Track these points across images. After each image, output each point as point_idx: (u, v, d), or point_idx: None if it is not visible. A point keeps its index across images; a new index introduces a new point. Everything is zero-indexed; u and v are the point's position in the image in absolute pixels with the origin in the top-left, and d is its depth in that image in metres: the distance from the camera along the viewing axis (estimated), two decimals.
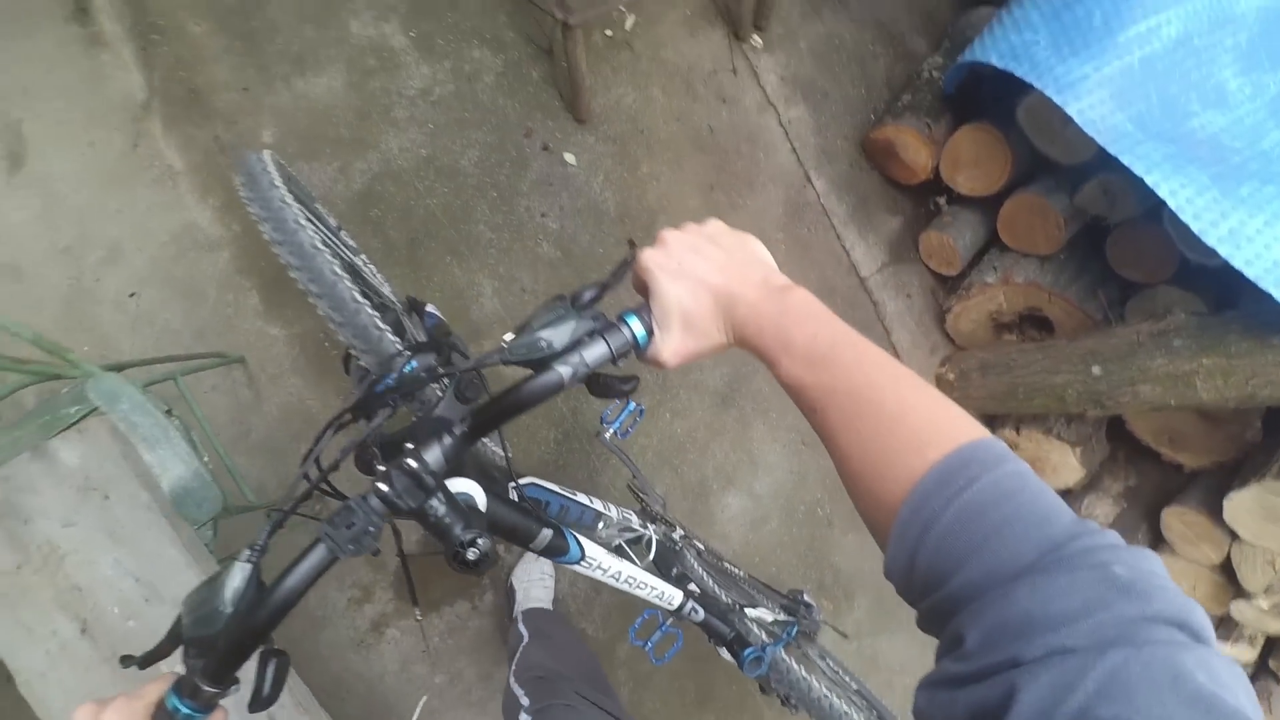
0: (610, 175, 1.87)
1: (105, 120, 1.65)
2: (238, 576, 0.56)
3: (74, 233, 1.61)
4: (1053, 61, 1.53)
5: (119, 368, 1.32)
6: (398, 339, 0.98)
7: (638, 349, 0.56)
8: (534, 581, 1.67)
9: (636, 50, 1.93)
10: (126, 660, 0.58)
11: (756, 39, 2.05)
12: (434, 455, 0.57)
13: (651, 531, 1.21)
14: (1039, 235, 1.89)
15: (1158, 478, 2.05)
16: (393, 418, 0.91)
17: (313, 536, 0.55)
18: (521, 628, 1.44)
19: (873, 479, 0.40)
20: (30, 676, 1.07)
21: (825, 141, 2.07)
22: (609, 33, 1.91)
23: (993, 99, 1.85)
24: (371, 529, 0.54)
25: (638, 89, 1.92)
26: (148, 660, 0.57)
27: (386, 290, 1.10)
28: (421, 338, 1.14)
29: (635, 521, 1.23)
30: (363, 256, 1.19)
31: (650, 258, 0.55)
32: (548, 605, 1.66)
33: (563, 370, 0.54)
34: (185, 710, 0.52)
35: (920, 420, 0.40)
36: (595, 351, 0.55)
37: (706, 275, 0.53)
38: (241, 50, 1.71)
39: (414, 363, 0.95)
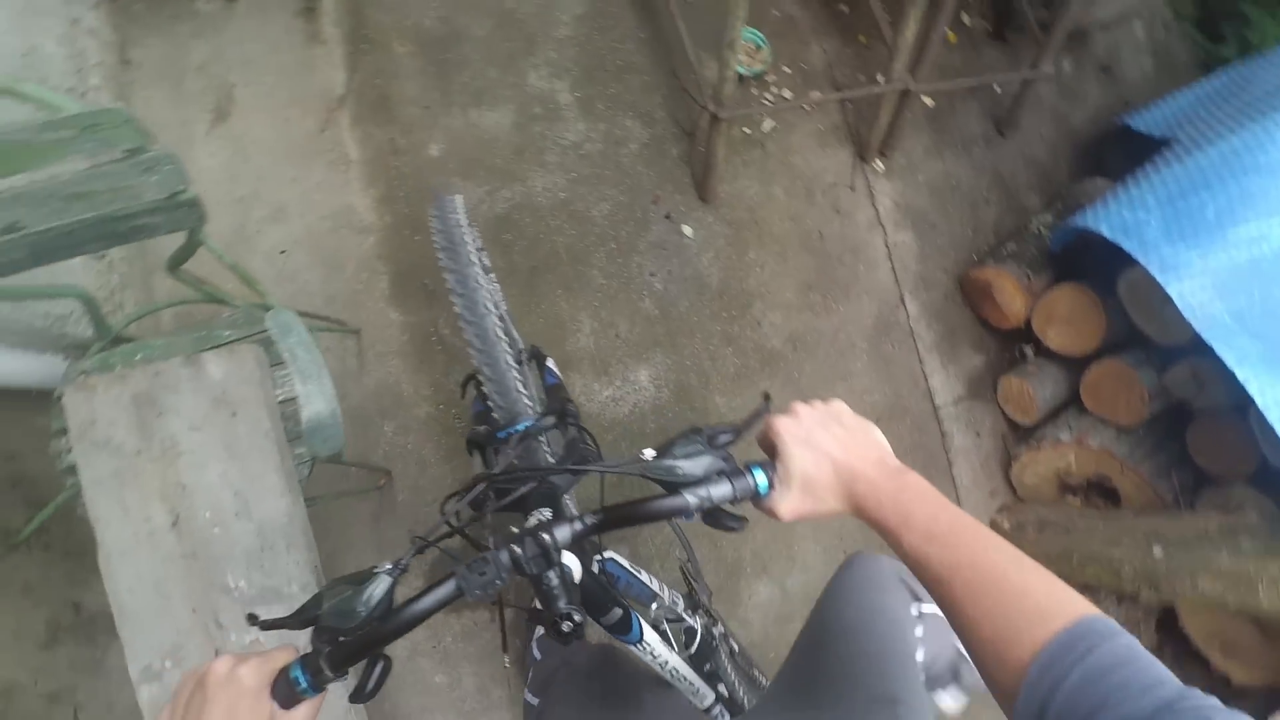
0: (719, 254, 2.01)
1: (304, 103, 1.90)
2: (379, 587, 0.60)
3: (250, 188, 1.84)
4: (1161, 242, 1.60)
5: (264, 308, 1.48)
6: (528, 398, 1.08)
7: (756, 497, 0.63)
8: None
9: (768, 150, 2.11)
10: (252, 618, 0.63)
11: (879, 164, 2.21)
12: (563, 533, 0.62)
13: (696, 622, 1.23)
14: (1121, 405, 1.91)
15: (1201, 685, 1.94)
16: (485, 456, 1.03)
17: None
18: (536, 651, 1.47)
19: (1001, 644, 0.48)
20: (112, 551, 1.18)
21: (925, 269, 2.18)
22: (747, 130, 2.10)
23: (1096, 264, 1.92)
24: (499, 581, 0.60)
25: (761, 184, 2.08)
26: (269, 625, 0.61)
27: (516, 333, 1.22)
28: (534, 384, 1.23)
29: (682, 607, 1.25)
30: (506, 304, 1.31)
31: (783, 424, 0.63)
32: None
33: (690, 499, 0.61)
34: (304, 684, 0.56)
35: (1041, 596, 0.48)
36: (720, 490, 0.62)
37: (830, 449, 0.61)
38: (433, 75, 1.96)
39: (533, 421, 1.05)
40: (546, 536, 0.60)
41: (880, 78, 2.25)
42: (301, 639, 0.62)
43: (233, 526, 1.20)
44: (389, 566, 0.62)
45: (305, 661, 0.57)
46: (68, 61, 1.63)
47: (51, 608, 1.63)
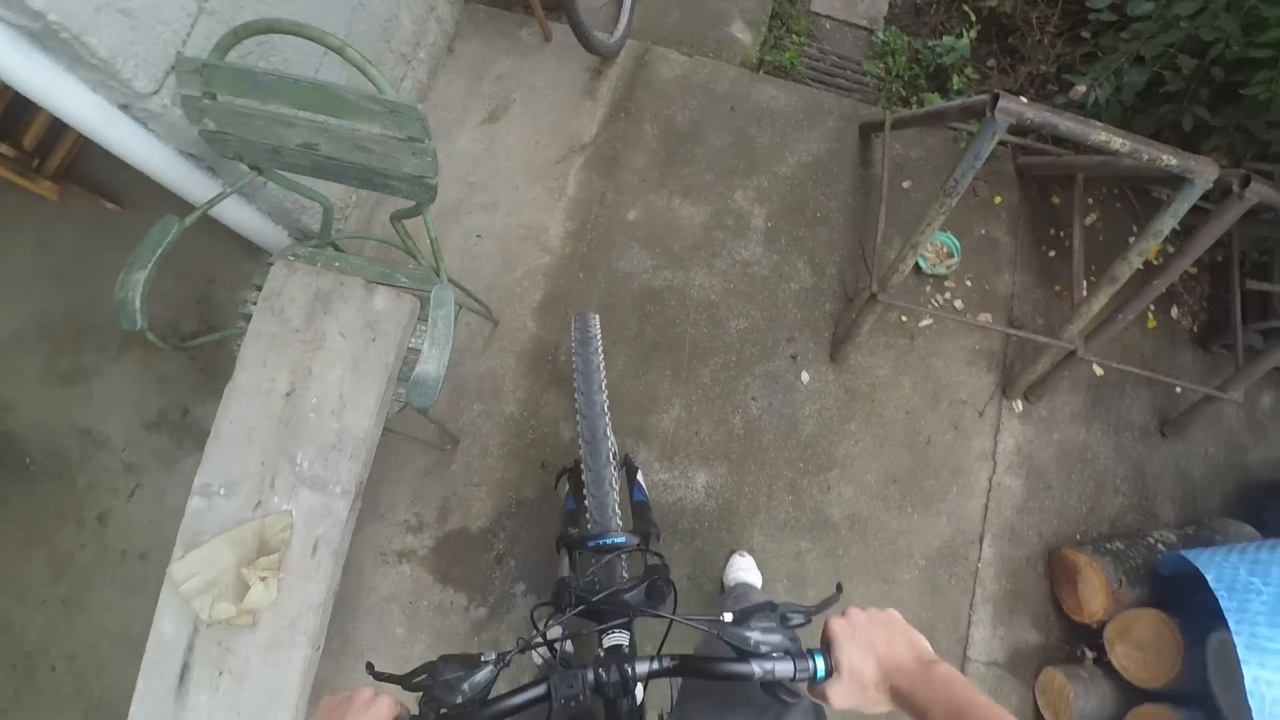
0: (824, 410, 2.08)
1: (556, 136, 2.26)
2: (484, 675, 0.72)
3: (482, 178, 2.20)
4: (1261, 619, 1.47)
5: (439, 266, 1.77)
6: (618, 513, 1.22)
7: (812, 681, 0.71)
8: None
9: (915, 344, 2.17)
10: (369, 667, 0.77)
11: (1020, 404, 2.18)
12: (642, 668, 0.71)
13: None
14: None
15: None
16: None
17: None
18: None
19: None
20: (236, 388, 1.46)
21: (1020, 523, 2.10)
22: (904, 319, 2.18)
23: (1197, 607, 1.76)
24: (581, 697, 0.69)
25: (894, 369, 2.14)
26: (381, 677, 0.75)
27: (612, 434, 1.36)
28: (622, 493, 1.35)
29: None
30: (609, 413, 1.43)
31: (842, 626, 0.72)
32: None
33: (756, 669, 0.70)
34: None
35: None
36: (784, 667, 0.70)
37: (876, 647, 0.70)
38: (661, 158, 2.26)
39: (624, 539, 1.17)
40: (630, 669, 0.70)
41: (1057, 332, 2.25)
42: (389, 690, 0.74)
43: (325, 419, 1.46)
44: (494, 657, 0.73)
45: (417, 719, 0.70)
46: (412, 34, 2.08)
47: (169, 401, 1.99)
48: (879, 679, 0.68)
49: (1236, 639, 1.48)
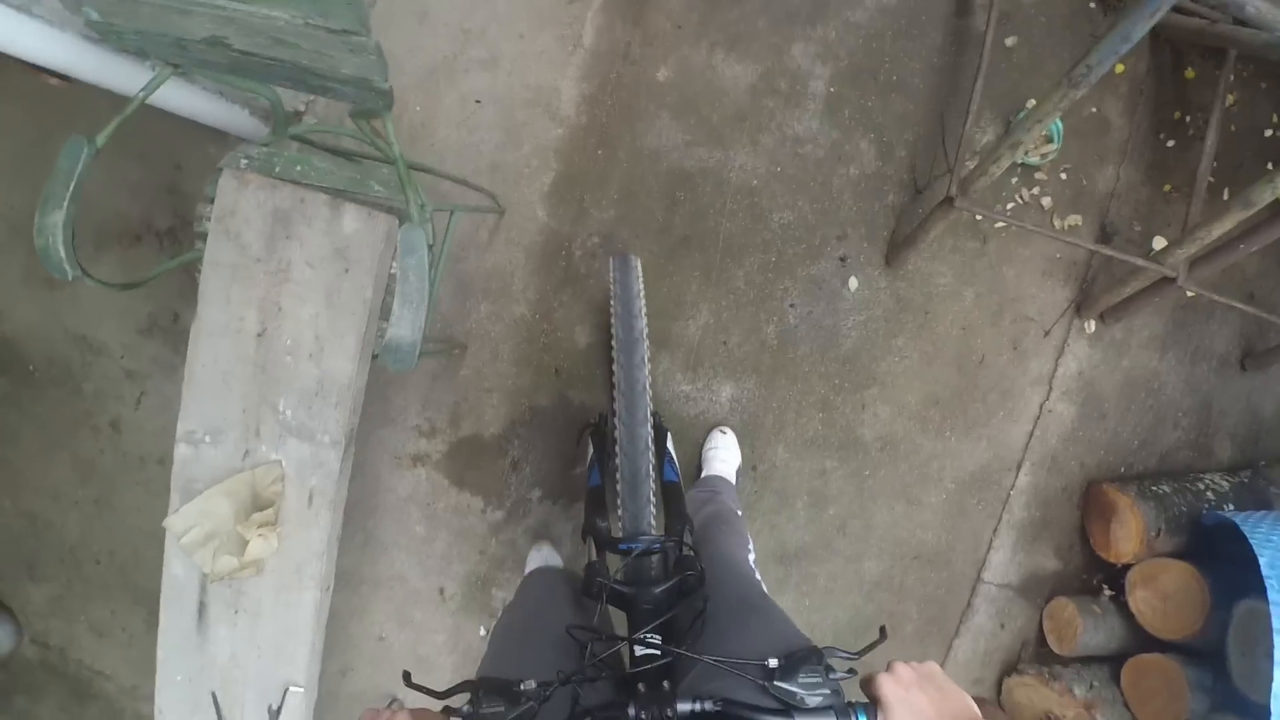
0: (869, 323, 1.85)
1: None
2: (525, 712, 0.70)
3: (480, 24, 1.79)
4: None
5: (420, 168, 1.49)
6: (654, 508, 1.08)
7: None
8: None
9: (987, 247, 1.87)
10: (407, 676, 0.77)
11: (1092, 324, 1.92)
12: (684, 708, 0.69)
13: None
14: (1153, 709, 1.75)
15: None
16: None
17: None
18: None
19: None
20: (204, 329, 1.29)
21: (1064, 452, 1.95)
22: (979, 216, 1.85)
23: (1234, 566, 1.67)
24: None
25: (957, 278, 1.87)
26: (419, 688, 0.75)
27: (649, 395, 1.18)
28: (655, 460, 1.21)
29: None
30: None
31: (887, 682, 0.69)
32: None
33: None
34: None
35: None
36: None
37: (926, 709, 0.67)
38: None
39: (660, 544, 1.04)
40: (671, 712, 0.69)
41: (1155, 246, 1.91)
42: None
43: (302, 363, 1.29)
44: (534, 688, 0.72)
45: None
46: None
47: (157, 305, 1.83)
48: None
49: (1274, 617, 1.40)
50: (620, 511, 1.08)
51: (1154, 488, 1.88)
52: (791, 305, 1.84)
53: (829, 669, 0.72)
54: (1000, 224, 1.86)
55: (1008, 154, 1.46)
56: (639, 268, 1.21)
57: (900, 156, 1.83)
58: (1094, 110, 1.89)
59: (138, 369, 1.86)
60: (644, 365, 1.10)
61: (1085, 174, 1.89)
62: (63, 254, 1.15)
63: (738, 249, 1.82)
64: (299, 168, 1.34)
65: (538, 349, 1.84)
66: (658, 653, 0.83)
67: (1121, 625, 1.87)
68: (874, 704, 0.69)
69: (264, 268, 1.27)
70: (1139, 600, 1.83)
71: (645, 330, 1.14)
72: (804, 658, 0.73)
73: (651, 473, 1.08)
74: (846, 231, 1.83)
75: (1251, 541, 1.57)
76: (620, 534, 1.05)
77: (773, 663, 0.72)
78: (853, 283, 1.84)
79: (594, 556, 1.09)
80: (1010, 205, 1.87)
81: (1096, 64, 1.27)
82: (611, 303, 1.18)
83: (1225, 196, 1.96)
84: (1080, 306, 1.91)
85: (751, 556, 1.34)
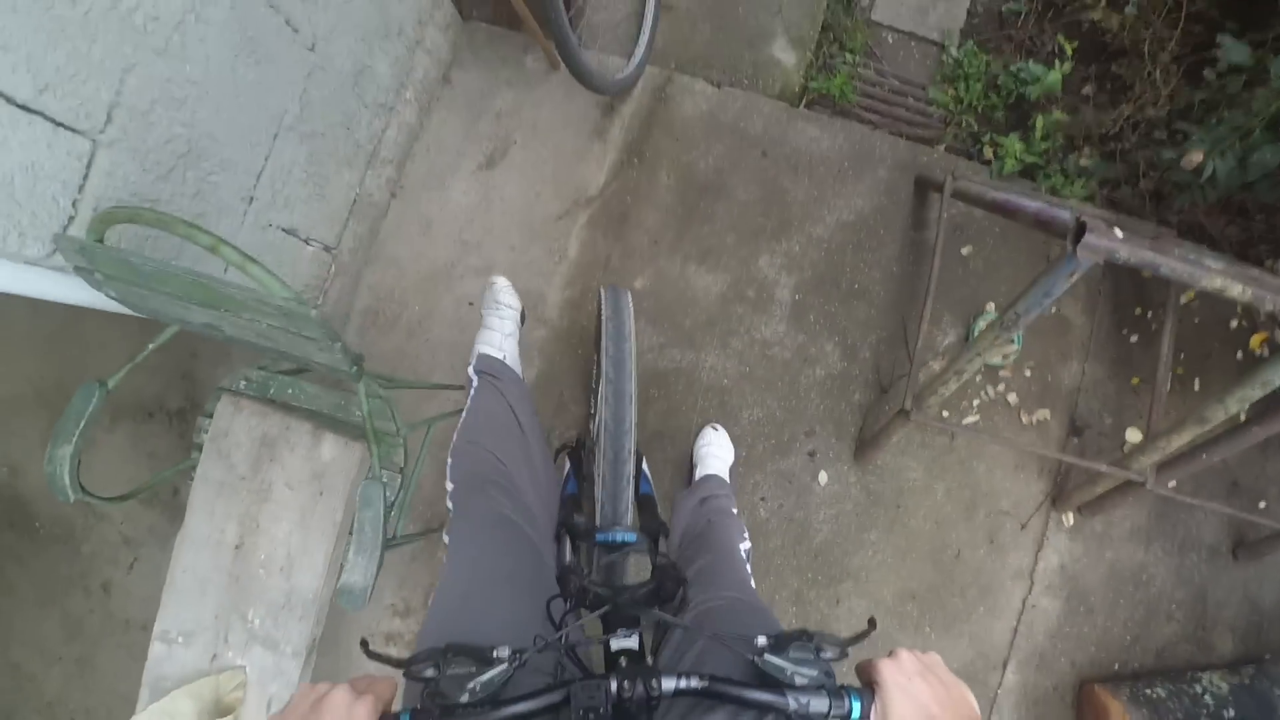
0: (840, 517, 1.88)
1: (559, 187, 2.00)
2: (497, 673, 0.66)
3: (477, 236, 1.99)
4: None
5: (401, 384, 1.62)
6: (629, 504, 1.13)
7: None
8: None
9: (955, 447, 1.91)
10: (364, 644, 0.73)
11: (1070, 517, 1.92)
12: (669, 685, 0.66)
13: None
14: None
15: None
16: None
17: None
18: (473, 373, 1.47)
19: None
20: (188, 536, 1.39)
21: (1051, 650, 1.89)
22: (946, 414, 1.91)
23: None
24: (601, 709, 0.64)
25: (927, 473, 1.90)
26: (376, 657, 0.71)
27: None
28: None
29: None
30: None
31: (887, 667, 0.66)
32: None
33: (790, 700, 0.65)
34: None
35: None
36: (819, 703, 0.64)
37: (928, 703, 0.63)
38: (678, 215, 1.97)
39: (635, 538, 1.09)
40: (655, 684, 0.65)
41: (1129, 438, 1.95)
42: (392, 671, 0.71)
43: (274, 577, 1.36)
44: (508, 654, 0.67)
45: (415, 716, 0.63)
46: (393, 79, 1.82)
47: (175, 481, 1.94)
48: None
49: None
50: (599, 505, 1.11)
51: (1148, 690, 1.80)
52: (763, 499, 1.88)
53: (819, 650, 0.70)
54: (969, 419, 1.92)
55: (953, 379, 1.55)
56: (629, 301, 1.27)
57: (864, 358, 1.93)
58: (1054, 311, 1.98)
59: (134, 536, 1.95)
60: (631, 380, 1.15)
61: (1050, 371, 1.96)
62: (67, 482, 1.28)
63: None
64: (291, 391, 1.48)
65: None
66: (634, 646, 0.81)
67: None
68: (870, 690, 0.66)
69: (248, 486, 1.38)
70: None
71: (633, 350, 1.20)
72: (793, 637, 0.70)
73: (632, 480, 1.12)
74: (815, 428, 1.90)
75: None
76: (598, 525, 1.07)
77: (762, 640, 0.69)
78: (823, 477, 1.89)
79: (568, 559, 1.11)
80: (977, 401, 1.93)
81: (1024, 312, 1.37)
82: (602, 322, 1.23)
83: (1196, 388, 2.00)
84: (1056, 500, 1.93)
85: (745, 546, 1.35)
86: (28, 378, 2.01)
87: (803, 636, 0.70)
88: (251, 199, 1.51)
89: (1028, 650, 1.90)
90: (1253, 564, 1.97)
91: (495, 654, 0.67)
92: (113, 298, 1.15)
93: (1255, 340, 1.99)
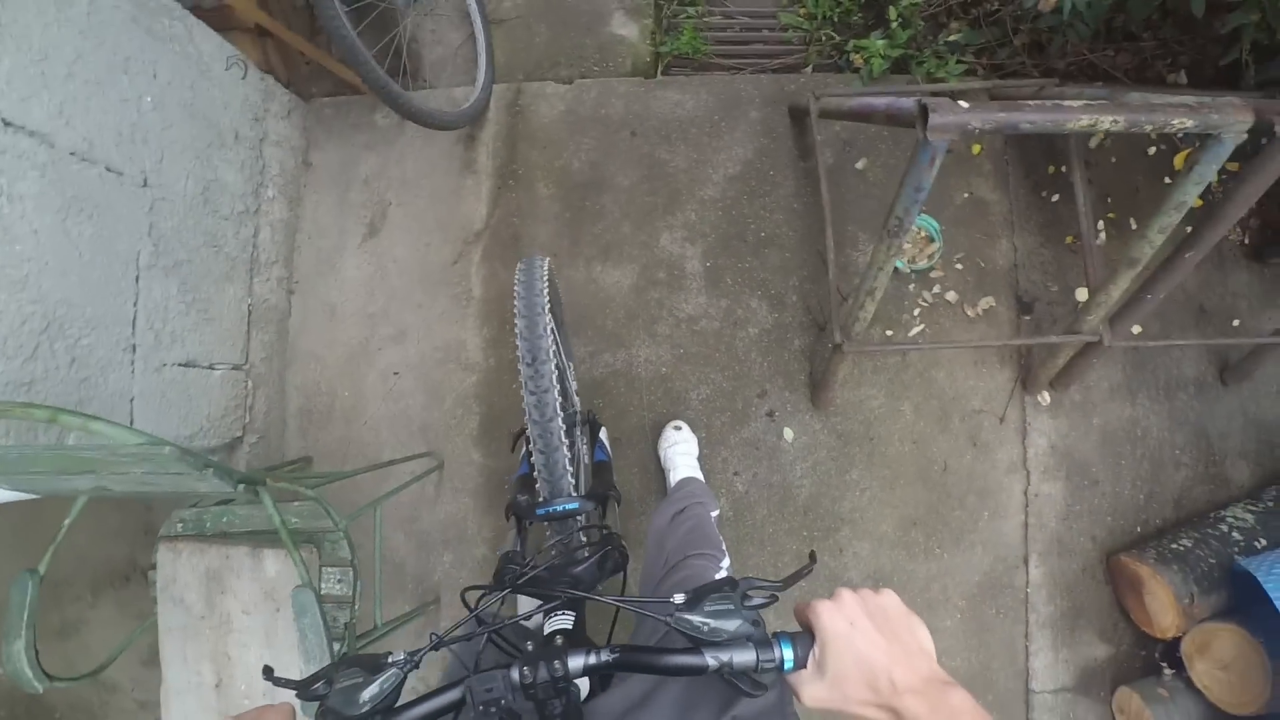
0: (818, 467, 1.84)
1: (446, 231, 1.98)
2: (388, 679, 0.62)
3: (382, 305, 1.97)
4: None
5: (346, 475, 1.61)
6: (573, 475, 1.10)
7: (780, 670, 0.60)
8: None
9: (909, 362, 1.86)
10: (267, 670, 0.67)
11: (1045, 395, 1.87)
12: (576, 664, 0.62)
13: None
14: None
15: None
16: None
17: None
18: None
19: None
20: (171, 689, 1.40)
21: (1067, 532, 1.84)
22: (890, 332, 1.86)
23: None
24: (504, 701, 0.60)
25: (889, 396, 1.86)
26: (278, 682, 0.66)
27: (575, 395, 1.22)
28: (583, 455, 1.23)
29: None
30: (571, 362, 1.31)
31: (826, 611, 0.59)
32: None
33: (710, 660, 0.59)
34: None
35: None
36: (744, 657, 0.59)
37: (871, 652, 0.57)
38: (567, 221, 1.94)
39: (577, 504, 1.07)
40: (559, 667, 0.60)
41: (1079, 297, 1.88)
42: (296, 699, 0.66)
43: (259, 703, 1.35)
44: (402, 658, 0.64)
45: None
46: (245, 184, 1.80)
47: (152, 637, 1.96)
48: (868, 693, 0.56)
49: None
50: (539, 484, 1.10)
51: (1173, 545, 1.75)
52: (736, 473, 1.85)
53: (746, 598, 0.62)
54: (914, 330, 1.87)
55: (869, 300, 1.50)
56: (545, 266, 1.23)
57: (793, 302, 1.88)
58: (967, 195, 1.92)
59: (148, 699, 1.97)
60: (547, 336, 1.12)
61: (981, 256, 1.90)
62: (30, 674, 1.28)
63: None
64: (226, 519, 1.47)
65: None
66: (569, 626, 0.75)
67: (1194, 704, 1.69)
68: (809, 634, 0.60)
69: (208, 623, 1.38)
70: (1201, 674, 1.66)
71: (549, 316, 1.17)
72: (713, 588, 0.64)
73: (565, 440, 1.09)
74: (765, 388, 1.86)
75: (1273, 598, 1.43)
76: (539, 501, 1.06)
77: (679, 598, 0.63)
78: (788, 434, 1.85)
79: (514, 545, 1.10)
80: (917, 310, 1.88)
81: (904, 214, 1.33)
82: (515, 304, 1.19)
83: (1133, 226, 1.93)
84: (1025, 383, 1.87)
85: (715, 513, 1.35)
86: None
87: (726, 586, 0.64)
88: (134, 347, 1.50)
89: (1044, 540, 1.85)
90: (1244, 384, 1.90)
91: (390, 659, 0.64)
92: (4, 486, 1.15)
93: (1179, 160, 1.91)
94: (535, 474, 1.12)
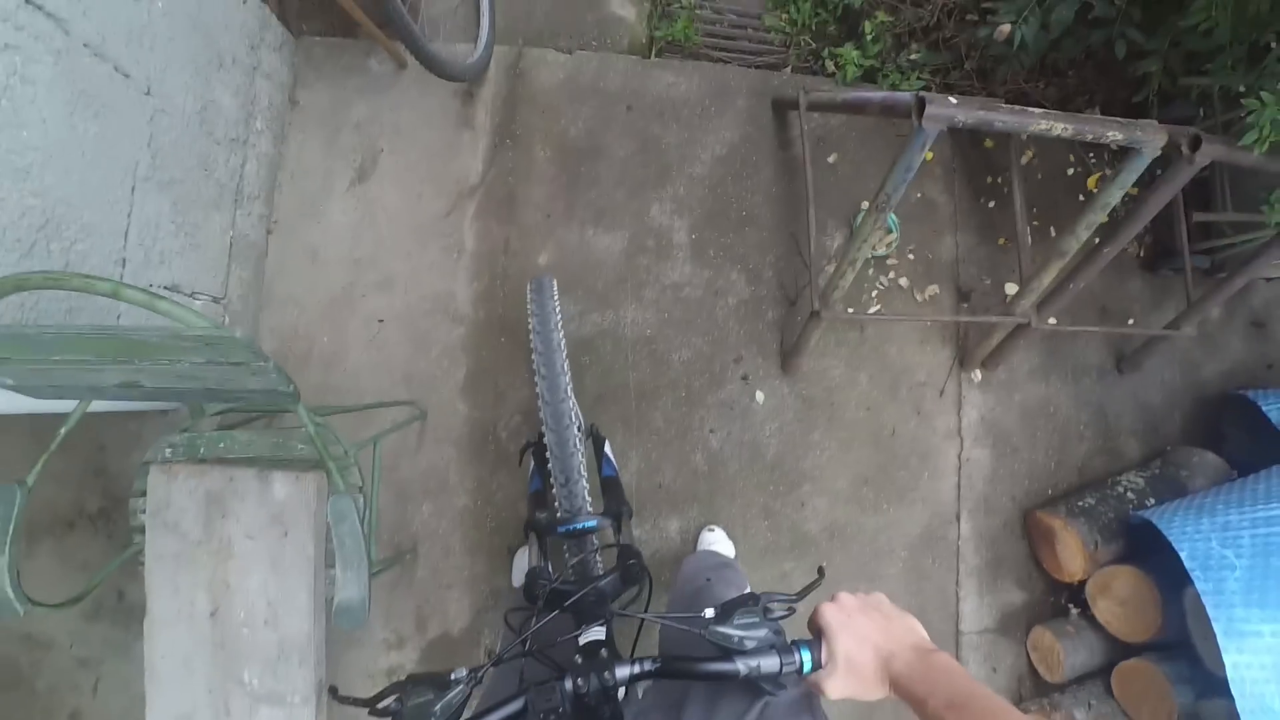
0: (784, 427, 2.00)
1: (439, 183, 1.99)
2: (456, 695, 0.68)
3: (369, 252, 1.95)
4: (1237, 600, 1.50)
5: (335, 410, 1.59)
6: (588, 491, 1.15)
7: (800, 673, 0.70)
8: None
9: (866, 334, 2.07)
10: (333, 690, 0.74)
11: (978, 373, 2.13)
12: (623, 673, 0.69)
13: None
14: (1147, 711, 1.82)
15: None
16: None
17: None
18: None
19: None
20: (156, 620, 1.32)
21: (992, 492, 2.10)
22: (851, 310, 2.06)
23: (1172, 555, 1.81)
24: (561, 709, 0.66)
25: (849, 367, 2.05)
26: (344, 700, 0.71)
27: (577, 407, 1.30)
28: (591, 469, 1.29)
29: None
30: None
31: (829, 611, 0.70)
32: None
33: (740, 667, 0.68)
34: None
35: None
36: (769, 663, 0.68)
37: (871, 634, 0.68)
38: (563, 184, 2.01)
39: (595, 523, 1.11)
40: (609, 675, 0.67)
41: (1009, 291, 2.16)
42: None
43: (260, 632, 1.32)
44: (465, 674, 0.69)
45: None
46: (239, 110, 1.75)
47: (100, 588, 1.82)
48: (877, 667, 0.67)
49: (1215, 626, 1.51)
50: (557, 502, 1.16)
51: (1080, 503, 2.04)
52: (711, 431, 1.97)
53: (767, 611, 0.72)
54: (872, 309, 2.08)
55: (849, 269, 1.67)
56: (554, 287, 1.34)
57: (768, 277, 2.04)
58: (919, 196, 2.16)
59: (90, 655, 1.82)
60: (565, 374, 1.21)
61: (929, 249, 2.14)
62: (11, 595, 1.19)
63: (649, 394, 1.96)
64: (222, 445, 1.42)
65: (487, 533, 1.90)
66: (602, 637, 0.83)
67: (1097, 639, 1.97)
68: (820, 638, 0.70)
69: (206, 549, 1.32)
70: (1102, 610, 1.94)
71: (564, 350, 1.25)
72: (739, 602, 0.73)
73: (584, 467, 1.16)
74: (741, 354, 2.01)
75: (1169, 538, 1.71)
76: (559, 518, 1.12)
77: (709, 613, 0.72)
78: (759, 396, 2.00)
79: (536, 561, 1.14)
80: (875, 292, 2.09)
81: (893, 190, 1.51)
82: (530, 321, 1.27)
83: (1052, 233, 2.24)
84: (963, 361, 2.12)
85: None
86: None
87: (749, 601, 0.73)
88: (124, 260, 1.43)
89: (973, 499, 2.09)
90: (1135, 374, 2.24)
91: (453, 677, 0.69)
92: (8, 386, 1.07)
93: (1091, 181, 2.24)
94: (551, 488, 1.17)
